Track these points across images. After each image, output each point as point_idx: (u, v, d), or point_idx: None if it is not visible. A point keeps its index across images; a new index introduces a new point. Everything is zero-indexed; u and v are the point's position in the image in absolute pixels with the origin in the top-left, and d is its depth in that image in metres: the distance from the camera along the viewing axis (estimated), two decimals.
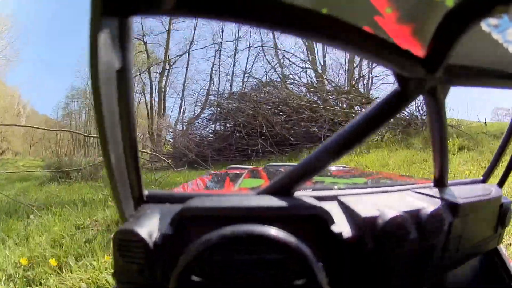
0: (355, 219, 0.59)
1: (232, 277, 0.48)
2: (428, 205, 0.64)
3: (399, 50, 0.48)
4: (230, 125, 11.47)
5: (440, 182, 0.77)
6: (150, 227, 0.52)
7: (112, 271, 0.56)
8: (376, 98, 11.49)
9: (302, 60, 15.52)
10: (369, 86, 13.89)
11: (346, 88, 11.84)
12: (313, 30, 0.42)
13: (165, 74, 20.48)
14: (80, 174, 7.53)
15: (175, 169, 8.79)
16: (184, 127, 14.17)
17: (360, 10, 0.42)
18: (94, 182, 7.16)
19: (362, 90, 12.72)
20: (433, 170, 0.77)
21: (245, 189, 1.11)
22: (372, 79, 14.03)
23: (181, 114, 18.47)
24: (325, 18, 0.40)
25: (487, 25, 0.47)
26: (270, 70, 15.73)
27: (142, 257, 0.51)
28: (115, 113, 0.44)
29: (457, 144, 6.02)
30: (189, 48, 19.67)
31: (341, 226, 0.57)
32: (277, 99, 10.66)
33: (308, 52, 15.75)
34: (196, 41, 20.13)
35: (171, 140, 13.78)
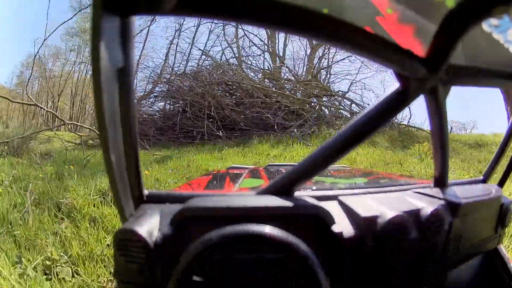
0: (355, 219, 0.59)
1: (232, 276, 0.48)
2: (428, 205, 0.64)
3: (400, 50, 0.48)
4: (178, 104, 10.65)
5: (441, 182, 0.77)
6: (150, 227, 0.52)
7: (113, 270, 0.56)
8: (338, 91, 11.40)
9: (262, 43, 15.04)
10: (328, 79, 13.47)
11: (304, 77, 11.49)
12: (314, 30, 0.43)
13: None
14: (7, 147, 6.74)
15: None
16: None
17: (361, 10, 0.43)
18: (18, 158, 6.22)
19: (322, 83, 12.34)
20: (434, 170, 0.77)
21: (245, 189, 1.12)
22: (330, 76, 13.71)
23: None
24: (326, 18, 0.41)
25: (488, 25, 0.47)
26: (226, 48, 14.98)
27: (142, 257, 0.51)
28: (116, 112, 0.44)
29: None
30: (150, 24, 18.35)
31: (341, 226, 0.57)
32: (230, 80, 10.01)
33: (270, 41, 15.36)
34: (158, 18, 18.81)
35: None
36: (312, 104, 9.87)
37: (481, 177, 0.96)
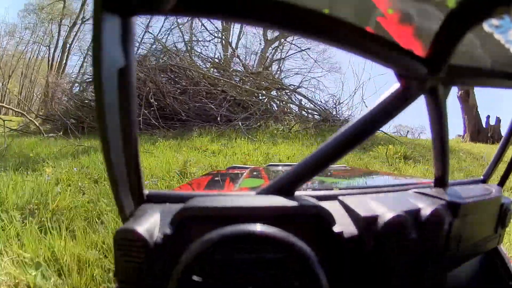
0: (355, 219, 0.59)
1: (232, 276, 0.48)
2: (429, 205, 0.64)
3: (401, 50, 0.49)
4: None
5: (441, 182, 0.77)
6: (150, 227, 0.52)
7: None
8: (290, 85, 11.02)
9: (216, 28, 14.17)
10: (280, 75, 12.66)
11: (256, 69, 10.94)
12: (315, 30, 0.43)
13: (75, 29, 17.17)
14: None
15: (45, 135, 7.40)
16: (78, 88, 11.46)
17: (362, 10, 0.43)
18: None
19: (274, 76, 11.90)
20: (434, 170, 0.77)
21: (246, 189, 1.12)
22: (281, 72, 12.97)
23: (81, 75, 15.28)
24: (327, 19, 0.41)
25: (489, 25, 0.47)
26: (174, 27, 13.89)
27: (142, 257, 0.51)
28: (116, 111, 0.44)
29: (401, 152, 5.65)
30: None
31: (342, 226, 0.57)
32: (175, 65, 9.19)
33: (223, 30, 14.52)
34: None
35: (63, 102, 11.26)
36: (261, 97, 9.46)
37: (481, 177, 0.96)
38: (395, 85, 0.56)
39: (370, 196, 0.69)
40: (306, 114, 9.38)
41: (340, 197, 0.66)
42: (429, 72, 0.52)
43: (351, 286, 0.57)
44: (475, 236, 0.78)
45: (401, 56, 0.49)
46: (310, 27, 0.42)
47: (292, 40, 13.00)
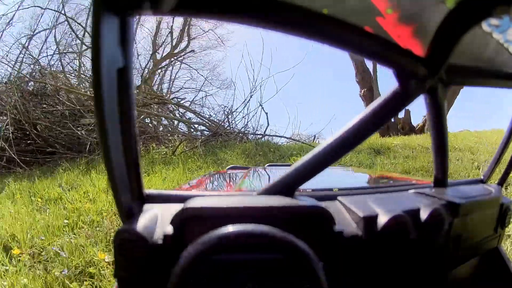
0: (355, 219, 0.59)
1: (232, 276, 0.48)
2: (428, 205, 0.63)
3: (400, 50, 0.49)
4: None
5: (441, 182, 0.77)
6: (150, 227, 0.52)
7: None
8: (173, 98, 9.47)
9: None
10: (171, 93, 11.31)
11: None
12: (314, 31, 0.43)
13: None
14: None
15: None
16: None
17: (361, 10, 0.43)
18: None
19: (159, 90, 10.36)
20: (434, 170, 0.77)
21: (245, 189, 1.11)
22: (171, 93, 11.97)
23: None
24: (326, 19, 0.41)
25: (488, 25, 0.48)
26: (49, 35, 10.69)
27: (142, 257, 0.50)
28: (116, 112, 0.44)
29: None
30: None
31: (341, 226, 0.57)
32: (53, 88, 7.15)
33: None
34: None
35: None
36: (142, 115, 7.71)
37: (481, 177, 0.97)
38: (395, 85, 0.56)
39: (370, 196, 0.68)
40: (193, 131, 8.17)
41: (340, 197, 0.66)
42: (429, 72, 0.53)
43: (351, 285, 0.57)
44: (475, 236, 0.79)
45: (400, 56, 0.50)
46: (309, 28, 0.42)
47: (182, 59, 12.43)
